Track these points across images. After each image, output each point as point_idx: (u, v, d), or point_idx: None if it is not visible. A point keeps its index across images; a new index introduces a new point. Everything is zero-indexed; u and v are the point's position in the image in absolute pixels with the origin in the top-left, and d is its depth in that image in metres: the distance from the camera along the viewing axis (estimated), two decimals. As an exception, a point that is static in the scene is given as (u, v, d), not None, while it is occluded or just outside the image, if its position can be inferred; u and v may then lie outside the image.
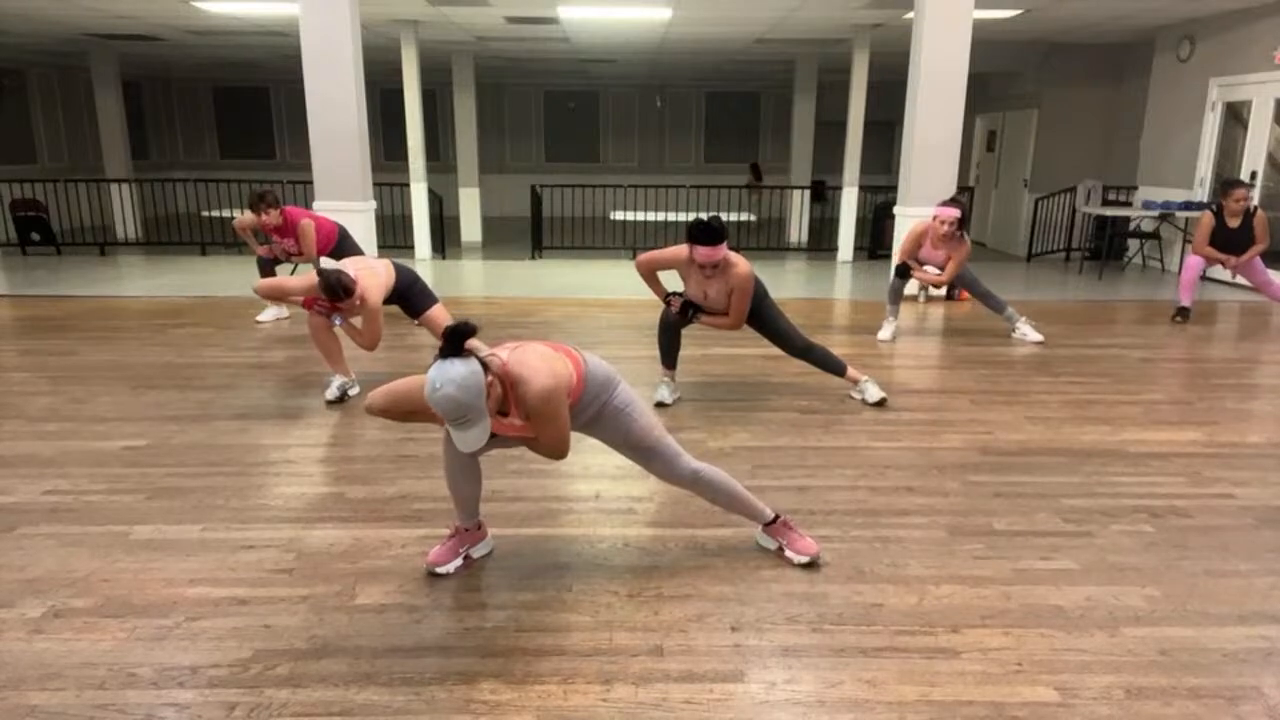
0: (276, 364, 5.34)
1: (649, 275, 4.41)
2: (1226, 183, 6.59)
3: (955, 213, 5.65)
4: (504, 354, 2.46)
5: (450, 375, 2.22)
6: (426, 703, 2.13)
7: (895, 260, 6.13)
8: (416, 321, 4.84)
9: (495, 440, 2.55)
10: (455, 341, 2.25)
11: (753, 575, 2.77)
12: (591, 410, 2.67)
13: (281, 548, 2.93)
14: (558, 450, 2.53)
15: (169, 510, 3.22)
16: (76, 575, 2.73)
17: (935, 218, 5.71)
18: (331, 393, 4.54)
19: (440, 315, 4.73)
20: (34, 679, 2.20)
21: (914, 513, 3.26)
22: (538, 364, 2.42)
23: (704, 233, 3.99)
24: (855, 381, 4.63)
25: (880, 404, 4.55)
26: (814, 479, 3.58)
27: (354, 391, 4.66)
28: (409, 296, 4.70)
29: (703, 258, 4.04)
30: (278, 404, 4.54)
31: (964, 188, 11.23)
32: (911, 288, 7.74)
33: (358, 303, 4.29)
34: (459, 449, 2.38)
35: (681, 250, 4.18)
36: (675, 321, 4.51)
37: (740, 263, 4.17)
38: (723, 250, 4.03)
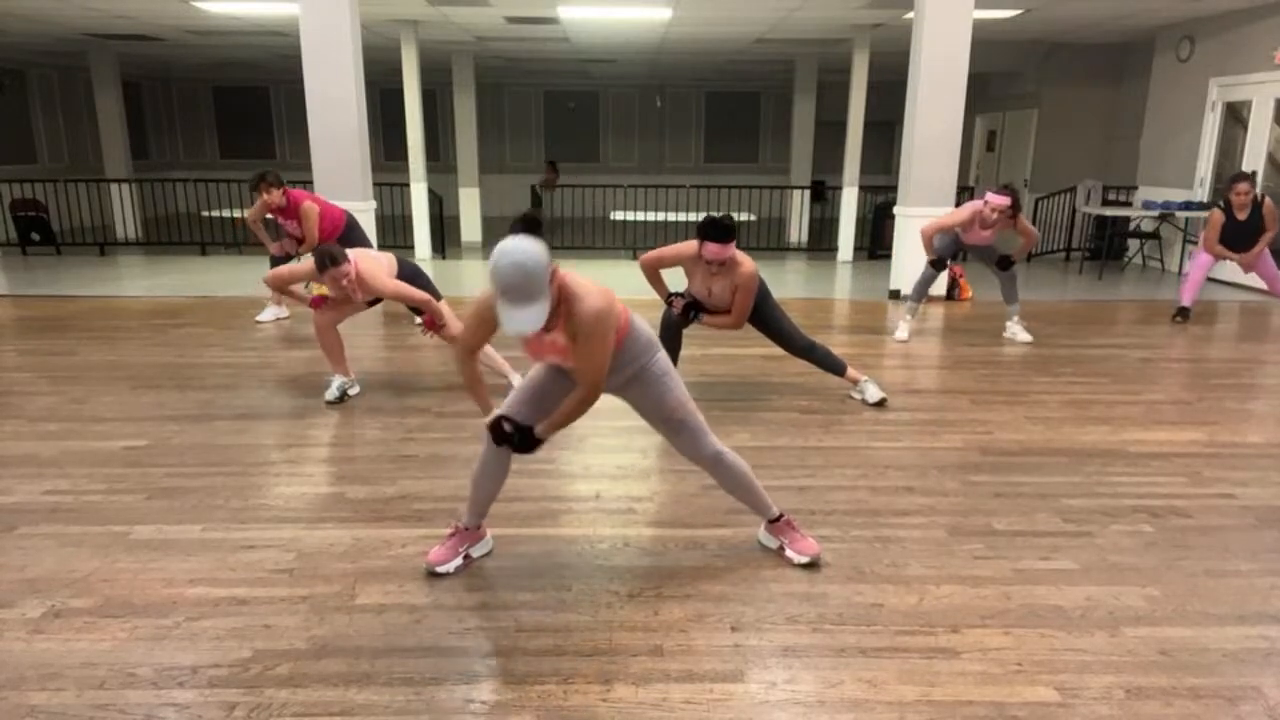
0: (276, 364, 5.34)
1: (653, 274, 4.41)
2: (1232, 177, 6.61)
3: (1006, 200, 5.59)
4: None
5: (521, 245, 2.27)
6: (426, 703, 2.13)
7: (933, 231, 5.97)
8: (418, 322, 4.80)
9: (531, 402, 2.62)
10: (529, 223, 2.33)
11: (753, 575, 2.77)
12: (632, 369, 2.65)
13: (281, 548, 2.93)
14: (593, 381, 2.46)
15: (169, 510, 3.22)
16: (76, 575, 2.73)
17: (986, 203, 5.67)
18: (331, 393, 4.54)
19: (439, 312, 4.69)
20: (34, 679, 2.20)
21: (914, 513, 3.26)
22: (593, 287, 2.45)
23: (716, 229, 3.98)
24: (855, 381, 4.63)
25: (880, 404, 4.55)
26: (814, 479, 3.58)
27: (354, 391, 4.66)
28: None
29: (712, 254, 4.03)
30: (278, 404, 4.54)
31: (964, 187, 11.23)
32: (908, 287, 7.74)
33: (345, 281, 4.21)
34: (506, 329, 2.29)
35: (687, 247, 4.18)
36: (677, 322, 4.51)
37: (745, 261, 4.17)
38: (732, 248, 4.04)
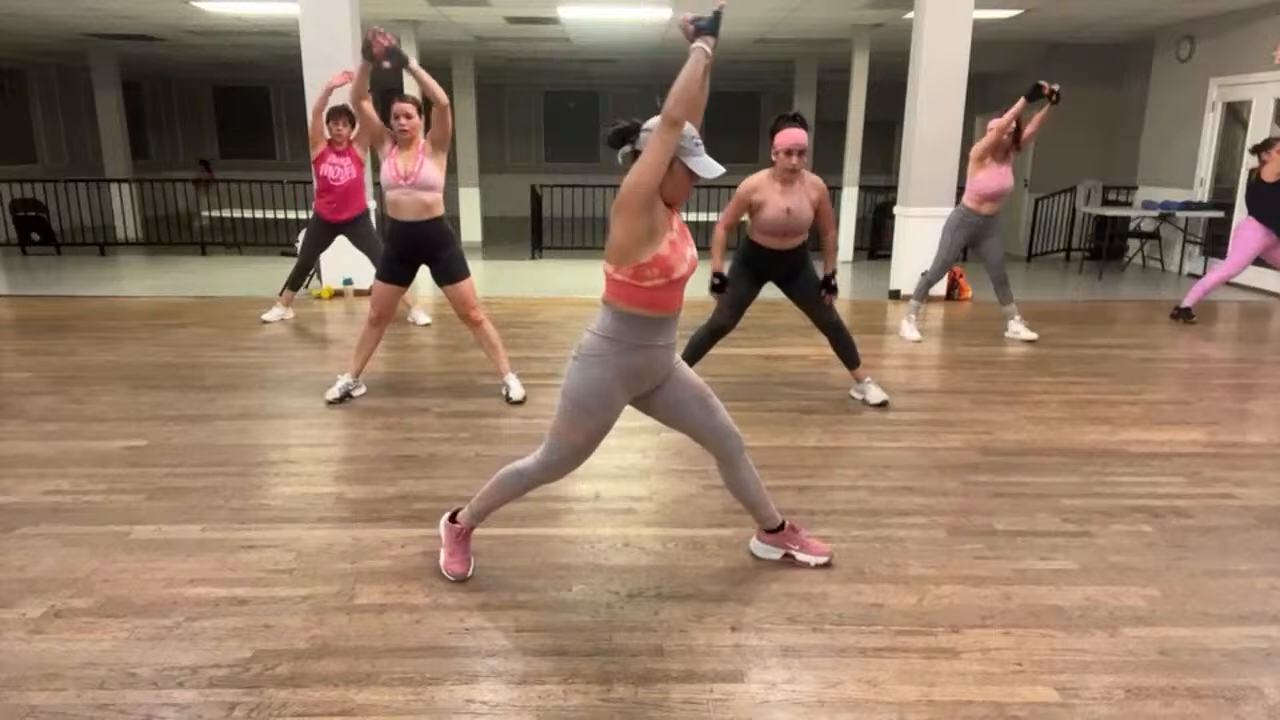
0: (276, 364, 5.34)
1: (727, 235, 4.28)
2: (1266, 142, 6.45)
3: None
4: None
5: None
6: (426, 703, 2.13)
7: (983, 154, 5.85)
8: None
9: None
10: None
11: (753, 575, 2.77)
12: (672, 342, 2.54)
13: (281, 548, 2.93)
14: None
15: (169, 510, 3.22)
16: (76, 575, 2.73)
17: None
18: (333, 393, 4.54)
19: (469, 290, 4.55)
20: (34, 679, 2.20)
21: (914, 513, 3.26)
22: None
23: (791, 118, 3.98)
24: (860, 380, 4.64)
25: (882, 405, 4.54)
26: (814, 479, 3.58)
27: (358, 393, 4.65)
28: (448, 259, 4.51)
29: (791, 141, 3.95)
30: (278, 404, 4.54)
31: (964, 188, 11.22)
32: (911, 288, 7.74)
33: (405, 120, 4.25)
34: (713, 174, 2.30)
35: (754, 179, 4.15)
36: (724, 324, 4.49)
37: (811, 174, 4.19)
38: (805, 135, 4.01)
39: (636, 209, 2.26)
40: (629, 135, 2.32)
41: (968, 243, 6.04)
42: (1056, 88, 5.57)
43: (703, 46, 2.23)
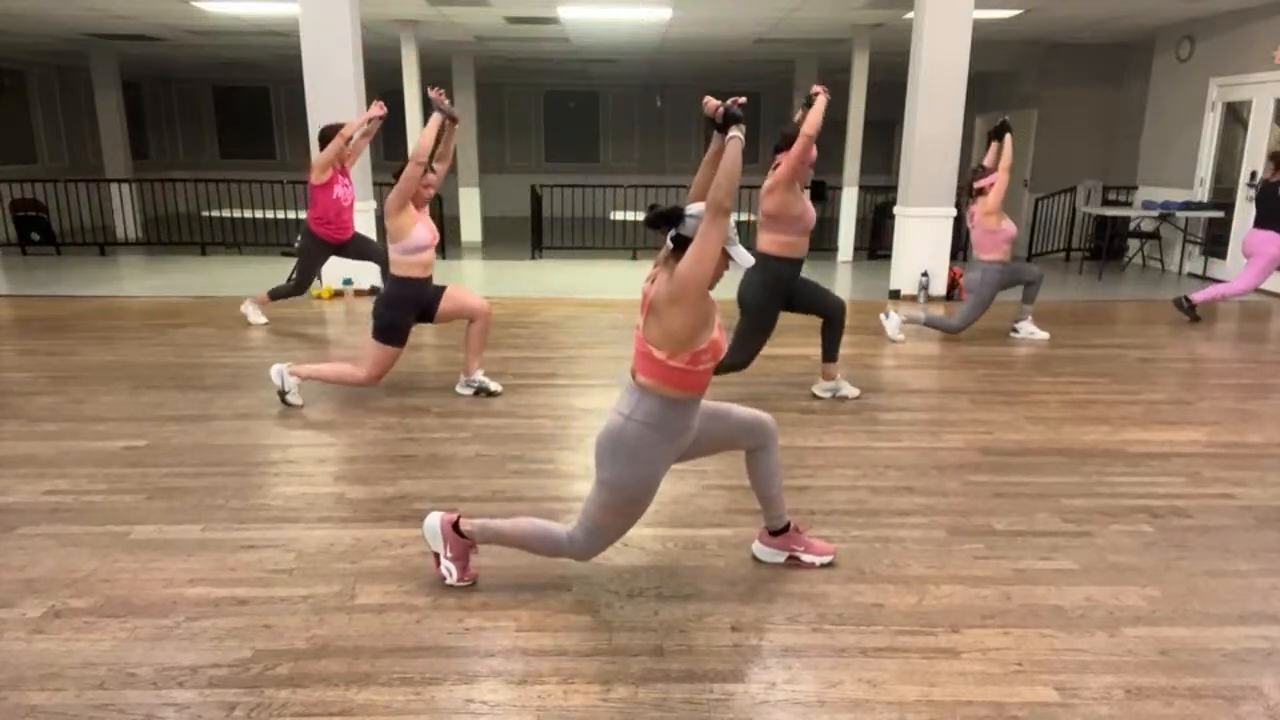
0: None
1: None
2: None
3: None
4: None
5: None
6: (426, 703, 2.13)
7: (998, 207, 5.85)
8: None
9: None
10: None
11: (753, 575, 2.77)
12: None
13: (281, 548, 2.93)
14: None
15: (169, 510, 3.22)
16: (76, 575, 2.73)
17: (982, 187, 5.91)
18: (292, 397, 4.45)
19: (465, 289, 4.65)
20: (34, 679, 2.20)
21: (914, 513, 3.26)
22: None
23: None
24: (831, 378, 4.70)
25: (858, 398, 4.68)
26: (814, 479, 3.58)
27: (294, 392, 4.48)
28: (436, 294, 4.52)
29: (814, 155, 4.24)
30: (277, 404, 4.53)
31: (964, 188, 11.24)
32: (911, 288, 7.75)
33: (434, 178, 4.36)
34: (746, 262, 2.34)
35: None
36: (739, 363, 4.50)
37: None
38: None
39: (697, 299, 2.29)
40: (674, 220, 2.33)
41: (1002, 288, 5.97)
42: (1006, 118, 6.05)
43: (738, 135, 2.33)
